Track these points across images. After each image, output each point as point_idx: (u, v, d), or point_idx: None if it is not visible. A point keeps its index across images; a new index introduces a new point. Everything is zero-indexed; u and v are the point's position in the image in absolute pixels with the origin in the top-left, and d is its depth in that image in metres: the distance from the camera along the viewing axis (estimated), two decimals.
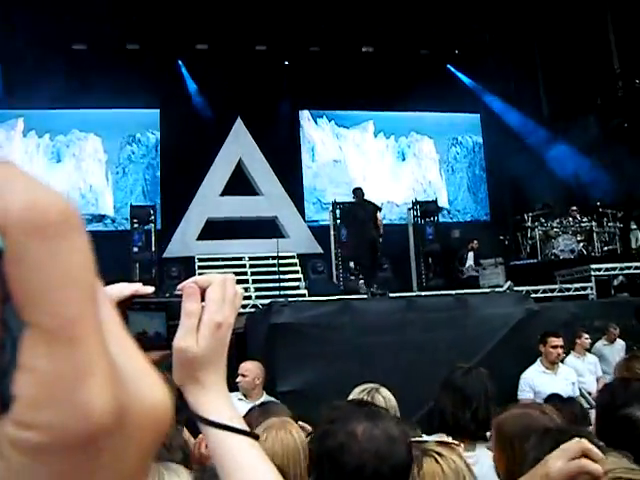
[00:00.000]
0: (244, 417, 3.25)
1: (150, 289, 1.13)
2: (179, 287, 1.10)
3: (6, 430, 0.30)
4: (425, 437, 2.76)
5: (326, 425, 1.87)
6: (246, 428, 1.09)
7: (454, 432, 3.43)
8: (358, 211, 13.54)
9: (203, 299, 1.08)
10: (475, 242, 16.29)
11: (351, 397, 3.68)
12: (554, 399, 5.04)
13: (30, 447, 0.29)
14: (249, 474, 1.06)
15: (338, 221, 17.42)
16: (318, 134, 20.34)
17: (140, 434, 0.33)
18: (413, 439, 2.59)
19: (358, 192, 13.69)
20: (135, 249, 16.19)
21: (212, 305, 1.08)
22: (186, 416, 1.13)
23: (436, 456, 2.35)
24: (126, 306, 1.09)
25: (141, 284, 1.13)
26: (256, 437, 1.10)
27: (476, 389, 3.72)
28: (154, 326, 1.11)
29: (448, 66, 20.25)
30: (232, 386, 7.48)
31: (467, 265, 16.00)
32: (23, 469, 0.29)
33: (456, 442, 2.66)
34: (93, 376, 0.30)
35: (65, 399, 0.29)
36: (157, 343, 1.10)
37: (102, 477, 0.32)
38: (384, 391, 3.83)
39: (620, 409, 2.83)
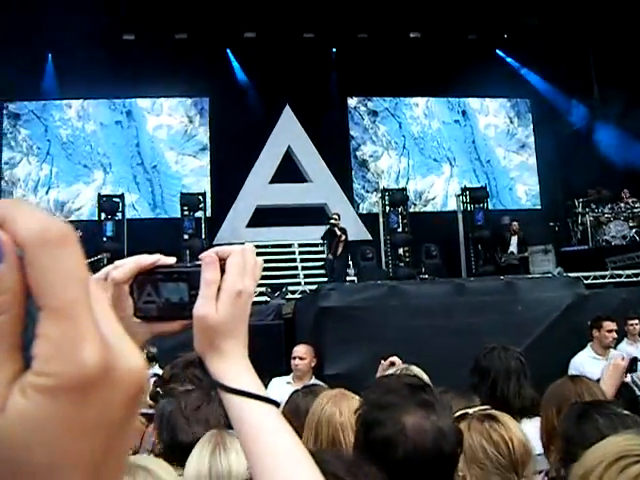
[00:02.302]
0: (289, 399, 3.25)
1: (172, 259, 1.15)
2: (200, 257, 1.11)
3: (29, 379, 0.44)
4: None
5: (375, 412, 1.86)
6: (266, 395, 1.10)
7: None
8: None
9: (223, 270, 1.10)
10: (515, 224, 16.05)
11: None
12: None
13: (44, 389, 0.44)
14: (268, 440, 1.06)
15: (387, 208, 17.42)
16: (367, 121, 20.29)
17: (124, 389, 0.47)
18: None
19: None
20: (186, 236, 16.42)
21: (232, 273, 1.10)
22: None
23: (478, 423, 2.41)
24: (148, 276, 1.13)
25: (162, 255, 1.15)
26: (276, 404, 1.10)
27: (494, 366, 3.72)
28: (176, 296, 1.12)
29: (497, 51, 20.02)
30: (281, 370, 7.56)
31: (509, 251, 15.80)
32: (42, 407, 0.44)
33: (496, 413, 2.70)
34: (86, 340, 0.44)
35: (67, 355, 0.44)
36: (179, 313, 1.12)
37: (95, 419, 0.46)
38: (415, 369, 3.80)
39: None
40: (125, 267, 1.13)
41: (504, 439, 2.39)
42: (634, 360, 3.80)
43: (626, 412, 2.30)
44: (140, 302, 1.13)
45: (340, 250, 14.34)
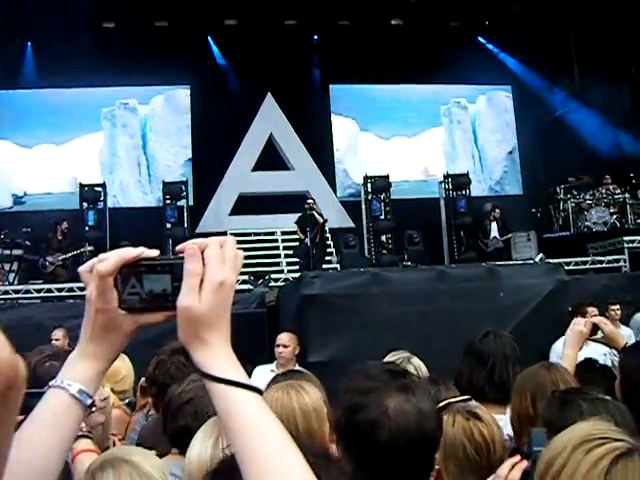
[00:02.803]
0: (269, 384, 3.21)
1: (155, 252, 1.17)
2: (178, 248, 1.14)
3: None
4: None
5: (357, 397, 1.87)
6: (250, 383, 1.11)
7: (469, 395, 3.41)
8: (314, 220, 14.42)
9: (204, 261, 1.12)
10: (497, 211, 16.17)
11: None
12: (588, 364, 4.95)
13: None
14: (253, 428, 1.07)
15: (370, 195, 17.44)
16: (349, 108, 20.23)
17: None
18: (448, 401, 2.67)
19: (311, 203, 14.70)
20: (168, 225, 16.35)
21: (213, 264, 1.11)
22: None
23: (463, 420, 2.43)
24: (132, 268, 1.15)
25: (146, 248, 1.18)
26: (260, 392, 1.11)
27: (492, 350, 3.68)
28: (160, 287, 1.15)
29: (479, 38, 20.02)
30: (265, 358, 7.58)
31: (491, 237, 15.90)
32: None
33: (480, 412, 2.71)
34: None
35: None
36: (163, 304, 1.15)
37: None
38: (415, 360, 3.76)
39: None
40: (110, 260, 1.14)
41: (486, 441, 2.40)
42: (595, 327, 3.79)
43: (607, 397, 2.33)
44: (124, 294, 1.15)
45: (318, 236, 14.29)
